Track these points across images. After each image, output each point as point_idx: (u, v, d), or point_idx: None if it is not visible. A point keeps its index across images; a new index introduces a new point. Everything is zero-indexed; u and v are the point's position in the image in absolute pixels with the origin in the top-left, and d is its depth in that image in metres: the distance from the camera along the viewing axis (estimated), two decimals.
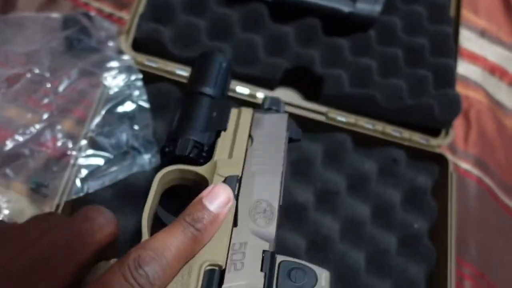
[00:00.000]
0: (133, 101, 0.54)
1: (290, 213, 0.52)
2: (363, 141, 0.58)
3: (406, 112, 0.59)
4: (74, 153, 0.50)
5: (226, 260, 0.32)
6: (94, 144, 0.51)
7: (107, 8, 0.64)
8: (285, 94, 0.60)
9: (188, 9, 0.59)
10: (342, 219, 0.54)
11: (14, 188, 0.49)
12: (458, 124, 0.67)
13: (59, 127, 0.52)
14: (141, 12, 0.57)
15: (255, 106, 0.56)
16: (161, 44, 0.56)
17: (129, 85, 0.54)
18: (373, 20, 0.60)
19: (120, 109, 0.53)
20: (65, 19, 0.58)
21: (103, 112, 0.52)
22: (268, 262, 0.33)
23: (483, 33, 0.76)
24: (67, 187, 0.47)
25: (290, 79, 0.60)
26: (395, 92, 0.59)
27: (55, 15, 0.58)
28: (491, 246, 0.62)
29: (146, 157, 0.51)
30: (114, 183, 0.49)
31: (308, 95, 0.61)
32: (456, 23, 0.66)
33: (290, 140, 0.44)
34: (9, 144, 0.50)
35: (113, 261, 0.30)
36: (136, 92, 0.54)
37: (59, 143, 0.52)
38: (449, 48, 0.63)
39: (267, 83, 0.58)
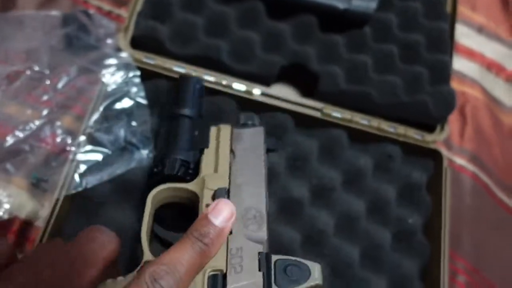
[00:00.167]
0: (131, 98, 0.54)
1: (285, 208, 0.53)
2: (359, 137, 0.59)
3: (401, 108, 0.60)
4: (73, 148, 0.51)
5: (226, 264, 0.35)
6: (92, 140, 0.51)
7: (106, 6, 0.65)
8: (281, 91, 0.61)
9: (186, 7, 0.60)
10: (337, 214, 0.55)
11: (14, 183, 0.50)
12: (453, 120, 0.67)
13: (58, 123, 0.53)
14: (139, 9, 0.58)
15: (252, 103, 0.57)
16: (158, 42, 0.57)
17: (127, 82, 0.55)
18: (369, 16, 0.60)
19: (118, 105, 0.54)
20: (64, 17, 0.58)
21: (101, 108, 0.53)
22: (264, 262, 0.35)
23: (480, 30, 0.76)
24: (66, 182, 0.48)
25: (286, 76, 0.61)
26: (390, 89, 0.60)
27: (54, 13, 0.59)
28: (486, 241, 0.62)
29: (144, 152, 0.52)
30: (112, 178, 0.50)
31: (304, 92, 0.62)
32: (452, 19, 0.66)
33: (268, 150, 0.48)
34: (10, 140, 0.51)
35: (120, 278, 0.32)
36: (134, 89, 0.55)
37: (58, 139, 0.52)
38: (445, 45, 0.63)
39: (264, 80, 0.59)
